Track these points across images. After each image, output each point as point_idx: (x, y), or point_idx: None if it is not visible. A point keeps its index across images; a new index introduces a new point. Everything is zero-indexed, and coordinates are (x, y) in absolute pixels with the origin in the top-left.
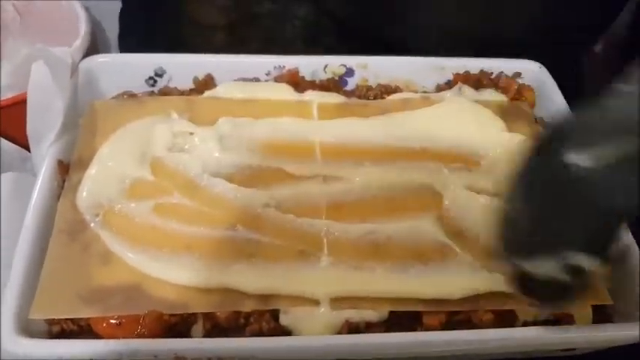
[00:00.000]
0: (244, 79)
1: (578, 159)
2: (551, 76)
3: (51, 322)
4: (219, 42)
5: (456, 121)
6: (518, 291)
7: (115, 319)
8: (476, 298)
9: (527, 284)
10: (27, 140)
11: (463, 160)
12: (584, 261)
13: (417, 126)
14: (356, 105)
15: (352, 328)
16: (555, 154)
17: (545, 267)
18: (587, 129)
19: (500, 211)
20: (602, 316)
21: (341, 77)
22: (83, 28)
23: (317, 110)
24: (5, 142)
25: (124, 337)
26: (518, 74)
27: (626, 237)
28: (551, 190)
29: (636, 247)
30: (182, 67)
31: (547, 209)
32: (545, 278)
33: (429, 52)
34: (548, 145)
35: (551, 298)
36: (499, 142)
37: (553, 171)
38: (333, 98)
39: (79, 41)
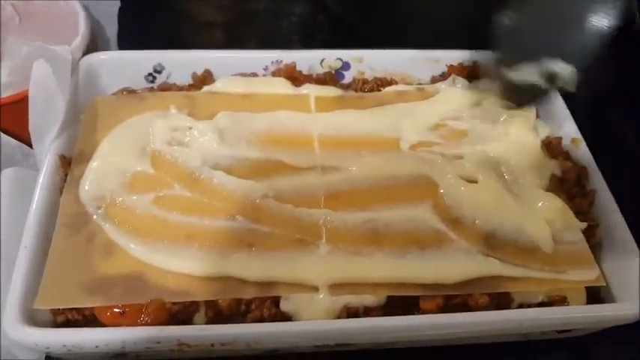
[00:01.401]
0: (242, 74)
1: None
2: None
3: (56, 312)
4: (217, 40)
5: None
6: (504, 97)
7: (118, 308)
8: (472, 282)
9: (511, 91)
10: (29, 136)
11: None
12: (560, 67)
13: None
14: (352, 98)
15: (351, 313)
16: None
17: (527, 74)
18: None
19: (500, 26)
20: (595, 299)
21: (337, 71)
22: (82, 26)
23: (314, 103)
24: (7, 138)
25: (127, 326)
26: None
27: (622, 227)
28: (547, 9)
29: (626, 229)
30: (181, 63)
31: (539, 20)
32: (525, 84)
33: (423, 45)
34: None
35: (528, 100)
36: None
37: None
38: (330, 91)
39: (79, 39)
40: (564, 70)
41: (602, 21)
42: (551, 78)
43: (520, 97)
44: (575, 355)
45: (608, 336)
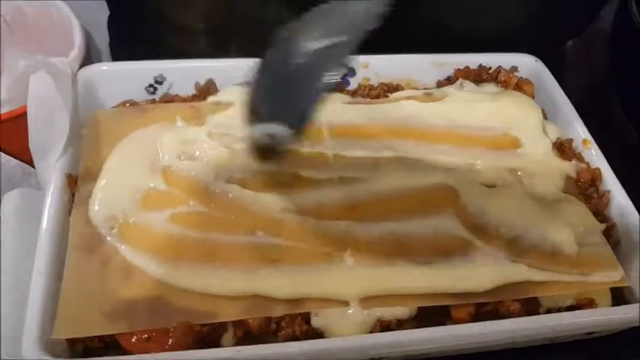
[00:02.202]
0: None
1: (305, 47)
2: (547, 69)
3: (74, 340)
4: (205, 46)
5: (494, 106)
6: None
7: (143, 334)
8: (501, 288)
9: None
10: (28, 154)
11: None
12: (278, 129)
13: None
14: (362, 104)
15: (384, 326)
16: (291, 43)
17: (256, 132)
18: (316, 23)
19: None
20: (618, 299)
21: (343, 77)
22: (78, 37)
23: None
24: (6, 157)
25: (155, 351)
26: (515, 68)
27: (636, 221)
28: (281, 71)
29: None
30: (182, 73)
31: (273, 86)
32: (259, 142)
33: (423, 47)
34: (288, 36)
35: (265, 157)
36: (538, 128)
37: (286, 56)
38: (338, 99)
39: (76, 51)
40: (279, 130)
41: (328, 81)
42: (271, 137)
43: (257, 153)
44: (594, 354)
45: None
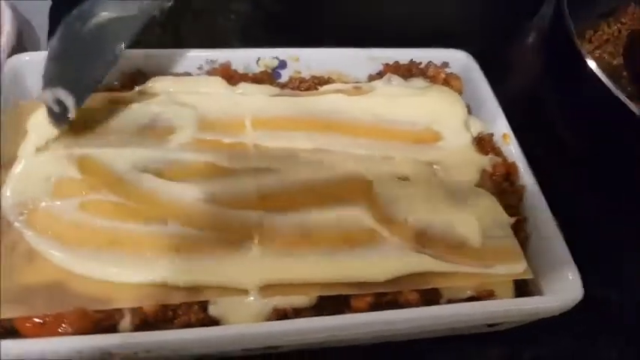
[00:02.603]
0: (175, 74)
1: (99, 16)
2: (477, 64)
3: None
4: (156, 37)
5: (419, 100)
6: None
7: (38, 318)
8: (402, 279)
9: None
10: None
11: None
12: (62, 95)
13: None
14: (288, 97)
15: (281, 314)
16: (87, 12)
17: (45, 97)
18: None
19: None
20: (524, 292)
21: (274, 70)
22: (7, 25)
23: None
24: None
25: (48, 336)
26: (446, 64)
27: (549, 220)
28: (73, 39)
29: (554, 224)
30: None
31: (64, 53)
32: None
33: (358, 43)
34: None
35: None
36: (460, 123)
37: (80, 24)
38: (267, 90)
39: (4, 39)
40: (64, 95)
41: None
42: (57, 102)
43: (50, 117)
44: (507, 346)
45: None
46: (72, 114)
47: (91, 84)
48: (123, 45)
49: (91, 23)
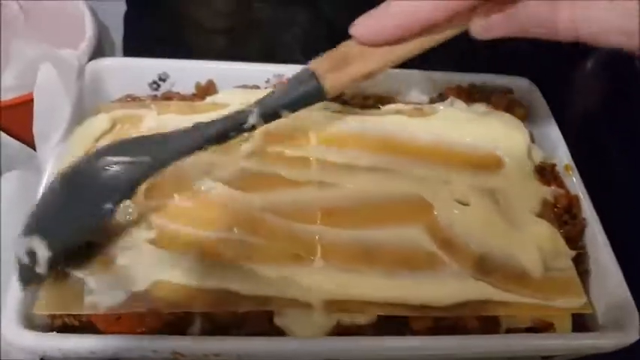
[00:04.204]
0: (245, 87)
1: (111, 162)
2: (541, 94)
3: (53, 316)
4: (220, 46)
5: (482, 125)
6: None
7: (115, 316)
8: (462, 305)
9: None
10: (33, 139)
11: (480, 162)
12: (37, 245)
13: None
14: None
15: (343, 330)
16: (90, 158)
17: (17, 246)
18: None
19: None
20: (581, 326)
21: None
22: (89, 30)
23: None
24: (10, 140)
25: (123, 333)
26: (509, 90)
27: (609, 257)
28: (67, 184)
29: (614, 260)
30: (185, 72)
31: (52, 201)
32: (18, 260)
33: (420, 63)
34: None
35: (25, 280)
36: (522, 150)
37: (86, 170)
38: (330, 107)
39: (86, 44)
40: (39, 246)
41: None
42: (33, 256)
43: (18, 273)
44: None
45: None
46: (42, 269)
47: (75, 239)
48: (125, 192)
49: (92, 168)
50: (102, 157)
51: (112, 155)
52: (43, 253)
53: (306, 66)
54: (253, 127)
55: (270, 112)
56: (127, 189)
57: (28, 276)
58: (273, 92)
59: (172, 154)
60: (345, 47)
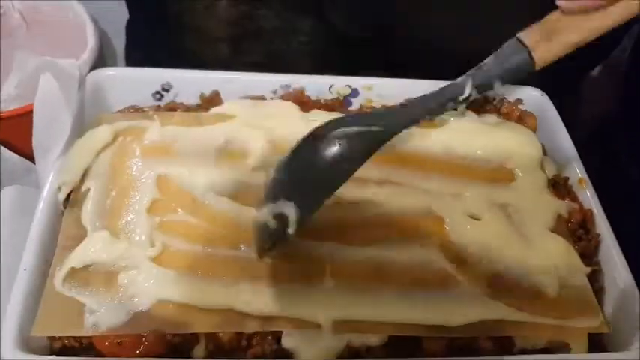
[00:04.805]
0: (250, 97)
1: (335, 133)
2: (552, 104)
3: (52, 338)
4: (223, 55)
5: (493, 137)
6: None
7: (117, 338)
8: (476, 324)
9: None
10: (32, 151)
11: (491, 176)
12: (287, 209)
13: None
14: None
15: (353, 351)
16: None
17: (264, 214)
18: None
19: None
20: (596, 344)
21: (346, 97)
22: (91, 40)
23: None
24: (9, 153)
25: (125, 356)
26: (519, 101)
27: (625, 273)
28: (306, 157)
29: (630, 276)
30: (189, 82)
31: (294, 170)
32: (259, 225)
33: (429, 71)
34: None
35: (266, 245)
36: (535, 163)
37: (317, 143)
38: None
39: (87, 54)
40: (288, 210)
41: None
42: (280, 219)
43: (259, 240)
44: None
45: None
46: (292, 230)
47: (321, 200)
48: (362, 160)
49: (333, 136)
50: (337, 128)
51: (345, 126)
52: (292, 214)
53: (515, 37)
54: (467, 98)
55: (484, 83)
56: (361, 156)
57: (276, 236)
58: (484, 64)
59: (400, 123)
60: (551, 19)
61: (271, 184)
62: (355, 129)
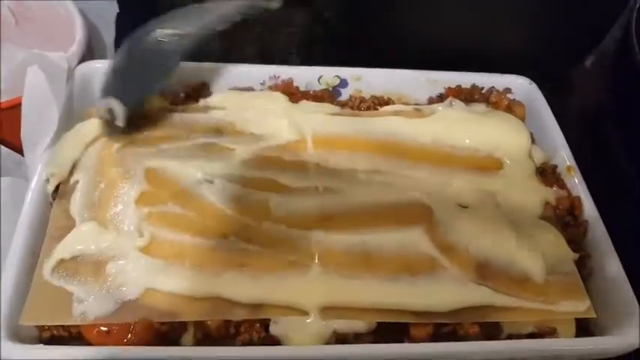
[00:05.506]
0: (238, 88)
1: (156, 34)
2: (541, 92)
3: (41, 328)
4: (214, 48)
5: (482, 126)
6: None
7: (105, 327)
8: (463, 310)
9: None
10: (21, 144)
11: (480, 164)
12: (115, 105)
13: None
14: (348, 116)
15: (340, 338)
16: (147, 30)
17: (99, 107)
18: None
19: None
20: (584, 330)
21: (334, 88)
22: (79, 33)
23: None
24: None
25: (113, 345)
26: (508, 90)
27: (612, 259)
28: (132, 54)
29: (617, 262)
30: (177, 74)
31: (122, 67)
32: (101, 116)
33: (418, 63)
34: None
35: (108, 132)
36: (523, 151)
37: (140, 41)
38: (327, 109)
39: (75, 47)
40: (116, 105)
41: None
42: (110, 112)
43: (102, 127)
44: None
45: None
46: (121, 122)
47: (143, 95)
48: (178, 60)
49: (150, 40)
50: (156, 30)
51: (163, 28)
52: (119, 109)
53: None
54: None
55: None
56: (176, 57)
57: (111, 129)
58: None
59: (212, 25)
60: None
61: (104, 81)
62: (169, 32)
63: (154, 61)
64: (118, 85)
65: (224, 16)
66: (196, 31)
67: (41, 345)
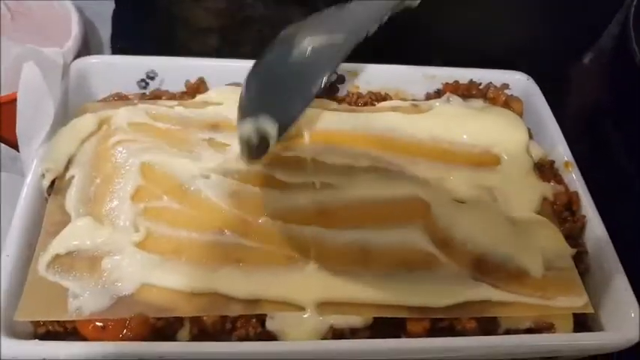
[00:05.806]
0: (236, 84)
1: (302, 46)
2: (538, 88)
3: (37, 323)
4: (212, 45)
5: (479, 121)
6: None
7: (100, 322)
8: (460, 305)
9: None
10: (16, 140)
11: (477, 160)
12: (265, 123)
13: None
14: (346, 111)
15: (337, 333)
16: (289, 42)
17: (244, 128)
18: (316, 25)
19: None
20: (582, 325)
21: (332, 84)
22: (75, 29)
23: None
24: None
25: (109, 340)
26: (506, 85)
27: (610, 254)
28: (276, 69)
29: (615, 258)
30: (174, 70)
31: (266, 83)
32: (245, 139)
33: (417, 59)
34: (288, 35)
35: (251, 156)
36: (521, 147)
37: (283, 54)
38: (324, 104)
39: (71, 42)
40: (266, 124)
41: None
42: (258, 132)
43: (244, 151)
44: None
45: None
46: (273, 141)
47: (295, 114)
48: (327, 74)
49: (292, 52)
50: (305, 38)
51: (310, 35)
52: (273, 129)
53: None
54: None
55: None
56: (331, 63)
57: (258, 152)
58: None
59: (363, 26)
60: None
61: (246, 97)
62: (323, 37)
63: (304, 73)
64: (264, 100)
65: (372, 18)
66: (347, 37)
67: (36, 340)
